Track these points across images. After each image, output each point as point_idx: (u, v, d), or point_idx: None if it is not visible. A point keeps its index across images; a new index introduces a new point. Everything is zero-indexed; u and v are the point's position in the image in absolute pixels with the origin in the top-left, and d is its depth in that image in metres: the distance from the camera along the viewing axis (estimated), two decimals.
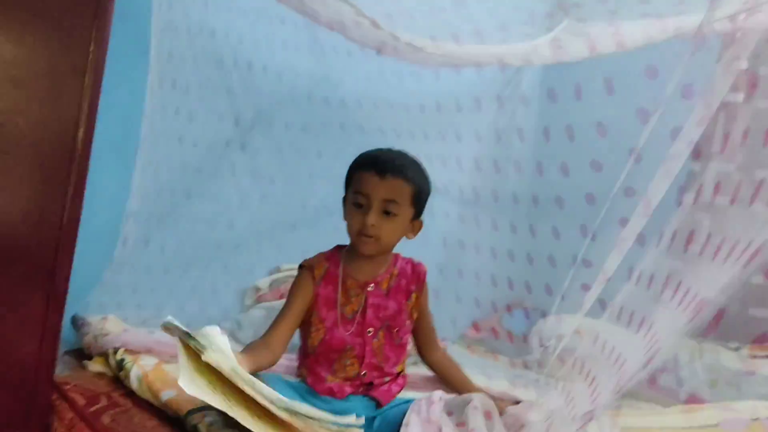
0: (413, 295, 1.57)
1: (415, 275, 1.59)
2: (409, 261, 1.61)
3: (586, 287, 1.28)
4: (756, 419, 1.27)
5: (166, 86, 2.05)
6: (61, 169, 1.43)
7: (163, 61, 2.01)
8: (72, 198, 1.44)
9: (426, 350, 1.71)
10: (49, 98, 1.41)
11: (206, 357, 1.13)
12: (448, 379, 1.68)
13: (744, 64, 2.23)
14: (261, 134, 2.31)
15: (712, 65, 2.17)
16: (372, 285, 1.53)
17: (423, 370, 1.74)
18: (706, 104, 1.25)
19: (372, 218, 1.45)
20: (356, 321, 1.51)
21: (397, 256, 1.59)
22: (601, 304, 1.25)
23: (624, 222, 1.17)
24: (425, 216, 1.56)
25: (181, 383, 1.11)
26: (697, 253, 2.14)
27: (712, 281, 1.10)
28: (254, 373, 1.30)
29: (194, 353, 1.18)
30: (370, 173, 1.47)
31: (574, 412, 1.16)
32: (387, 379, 1.53)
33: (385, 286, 1.54)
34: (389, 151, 1.54)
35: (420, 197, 1.51)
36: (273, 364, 1.47)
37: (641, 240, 1.19)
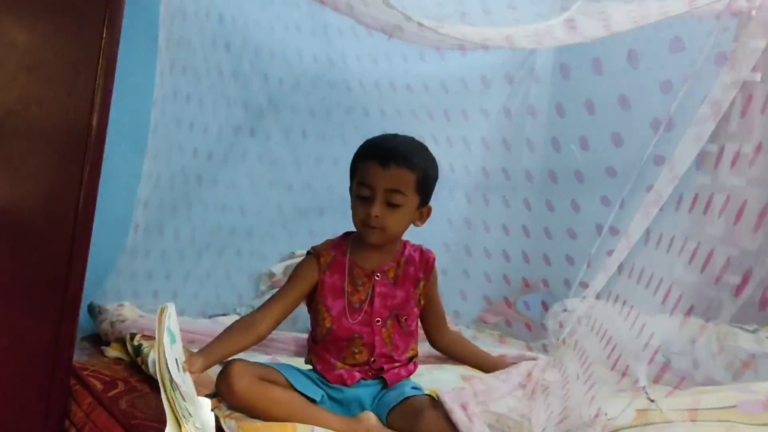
0: (421, 283, 1.55)
1: (423, 262, 1.56)
2: (418, 248, 1.58)
3: (611, 253, 1.27)
4: None
5: (176, 72, 2.05)
6: (76, 155, 1.44)
7: (173, 47, 2.01)
8: (87, 184, 1.45)
9: (435, 335, 1.71)
10: (63, 85, 1.41)
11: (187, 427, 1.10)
12: (464, 355, 1.73)
13: (762, 43, 2.21)
14: (271, 119, 2.30)
15: (730, 43, 2.14)
16: (379, 274, 1.51)
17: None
18: (733, 70, 1.23)
19: (376, 209, 1.43)
20: (363, 310, 1.50)
21: (405, 243, 1.57)
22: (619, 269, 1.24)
23: (650, 189, 1.16)
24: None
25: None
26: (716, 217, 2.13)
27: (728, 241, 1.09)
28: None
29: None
30: (372, 163, 1.44)
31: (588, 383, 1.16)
32: (397, 365, 1.52)
33: (392, 274, 1.52)
34: (393, 138, 1.51)
35: (426, 184, 1.48)
36: (255, 344, 1.47)
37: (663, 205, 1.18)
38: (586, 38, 1.69)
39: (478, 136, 2.27)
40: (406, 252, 1.55)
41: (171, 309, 1.32)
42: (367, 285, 1.50)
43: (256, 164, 2.31)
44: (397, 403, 1.44)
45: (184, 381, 1.25)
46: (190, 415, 1.09)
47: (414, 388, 1.50)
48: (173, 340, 1.31)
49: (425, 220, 1.53)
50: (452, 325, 1.81)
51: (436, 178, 1.52)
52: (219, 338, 1.44)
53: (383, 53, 2.24)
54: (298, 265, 1.55)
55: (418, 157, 1.47)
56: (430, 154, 1.52)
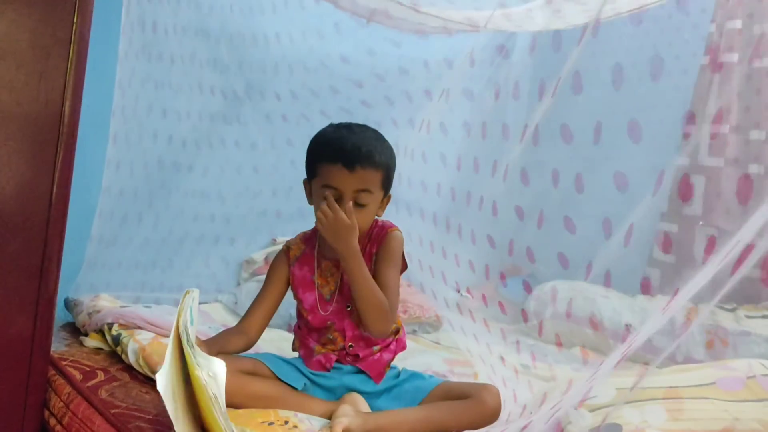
0: (374, 257, 1.50)
1: (378, 237, 1.51)
2: (381, 224, 1.54)
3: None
4: (752, 377, 1.27)
5: (146, 58, 2.02)
6: (49, 142, 1.41)
7: (140, 31, 1.98)
8: (61, 171, 1.42)
9: None
10: (35, 71, 1.38)
11: (199, 373, 1.12)
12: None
13: (738, 24, 2.22)
14: (249, 105, 2.28)
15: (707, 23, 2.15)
16: None
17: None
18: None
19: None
20: (335, 300, 1.50)
21: (374, 223, 1.54)
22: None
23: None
24: None
25: (159, 376, 1.11)
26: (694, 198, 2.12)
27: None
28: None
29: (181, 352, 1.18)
30: (337, 167, 1.40)
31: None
32: (376, 348, 1.50)
33: None
34: (350, 134, 1.45)
35: (389, 178, 1.47)
36: (248, 349, 1.49)
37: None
38: (568, 24, 1.68)
39: (460, 120, 2.24)
40: (371, 232, 1.52)
41: (196, 293, 1.32)
42: (336, 275, 1.51)
43: (233, 150, 2.29)
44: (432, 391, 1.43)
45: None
46: (208, 366, 1.12)
47: (419, 376, 1.50)
48: (192, 322, 1.30)
49: (385, 208, 1.52)
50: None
51: (394, 167, 1.50)
52: (216, 338, 1.47)
53: (366, 38, 2.20)
54: (272, 262, 1.58)
55: (381, 153, 1.44)
56: (387, 144, 1.49)
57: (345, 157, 1.41)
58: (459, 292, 1.90)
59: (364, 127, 1.50)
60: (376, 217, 1.53)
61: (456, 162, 1.82)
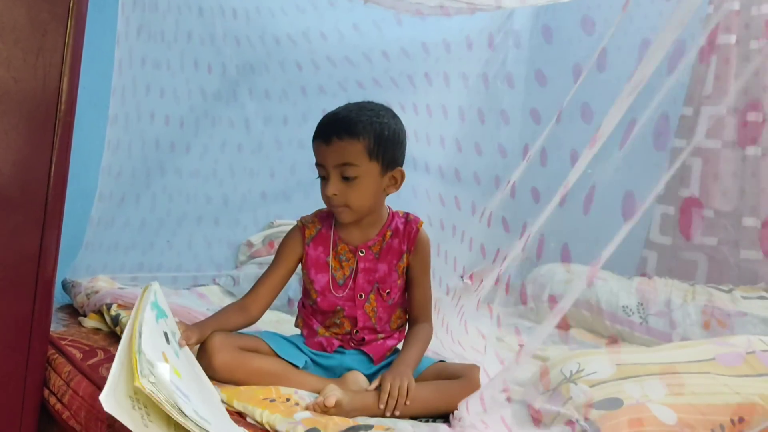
0: (405, 256, 1.49)
1: (407, 233, 1.49)
2: (404, 217, 1.52)
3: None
4: (751, 352, 1.28)
5: (144, 38, 2.01)
6: (47, 119, 1.39)
7: (138, 11, 1.96)
8: (59, 149, 1.41)
9: (411, 323, 1.54)
10: (32, 47, 1.37)
11: (139, 383, 1.02)
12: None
13: (736, 5, 2.22)
14: (244, 84, 2.27)
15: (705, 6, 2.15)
16: (363, 250, 1.48)
17: None
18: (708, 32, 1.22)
19: (331, 188, 1.39)
20: (348, 286, 1.48)
21: (393, 214, 1.51)
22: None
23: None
24: None
25: (102, 397, 1.02)
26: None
27: None
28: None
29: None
30: (318, 142, 1.41)
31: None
32: (381, 335, 1.50)
33: (377, 249, 1.48)
34: (340, 109, 1.44)
35: (381, 148, 1.40)
36: (248, 326, 1.48)
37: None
38: None
39: (456, 104, 2.23)
40: (393, 224, 1.50)
41: (156, 286, 1.33)
42: (351, 261, 1.48)
43: (230, 130, 2.28)
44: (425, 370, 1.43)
45: (179, 355, 1.24)
46: (150, 373, 1.05)
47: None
48: (163, 315, 1.30)
49: (399, 184, 1.46)
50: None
51: (396, 139, 1.44)
52: (214, 316, 1.46)
53: (361, 20, 2.19)
54: (284, 240, 1.54)
55: (365, 124, 1.39)
56: (386, 116, 1.44)
57: (321, 130, 1.42)
58: (462, 278, 1.90)
59: (366, 103, 1.47)
60: (396, 210, 1.52)
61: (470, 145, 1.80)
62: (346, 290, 1.48)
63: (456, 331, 1.77)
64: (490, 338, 1.66)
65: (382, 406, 1.30)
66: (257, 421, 1.22)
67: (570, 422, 1.07)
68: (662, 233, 2.26)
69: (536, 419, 1.15)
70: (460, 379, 1.37)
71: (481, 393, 1.11)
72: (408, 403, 1.31)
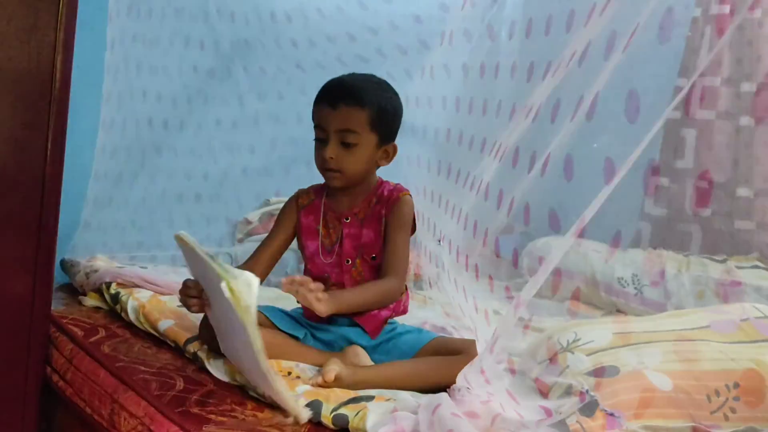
0: (383, 220, 1.50)
1: (388, 199, 1.51)
2: (393, 187, 1.54)
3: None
4: (745, 319, 1.29)
5: (135, 15, 1.99)
6: (43, 98, 1.39)
7: None
8: (54, 128, 1.41)
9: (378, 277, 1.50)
10: (25, 25, 1.36)
11: (232, 284, 1.06)
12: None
13: None
14: (238, 60, 2.25)
15: None
16: (348, 217, 1.51)
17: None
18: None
19: (329, 151, 1.42)
20: (335, 252, 1.51)
21: (382, 183, 1.55)
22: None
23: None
24: None
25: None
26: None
27: None
28: None
29: None
30: (322, 105, 1.44)
31: None
32: None
33: (361, 215, 1.51)
34: (347, 77, 1.48)
35: (382, 121, 1.45)
36: None
37: None
38: None
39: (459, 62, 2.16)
40: (379, 192, 1.53)
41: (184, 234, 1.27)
42: (338, 228, 1.52)
43: (224, 107, 2.26)
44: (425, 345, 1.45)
45: None
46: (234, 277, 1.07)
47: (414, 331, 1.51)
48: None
49: (391, 158, 1.51)
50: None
51: (396, 114, 1.49)
52: None
53: None
54: (280, 211, 1.59)
55: (371, 94, 1.44)
56: (389, 91, 1.49)
57: (328, 93, 1.44)
58: (440, 242, 1.90)
59: (370, 75, 1.51)
60: (387, 180, 1.52)
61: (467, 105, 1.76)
62: (333, 256, 1.51)
63: (455, 298, 1.78)
64: (488, 311, 1.68)
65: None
66: (259, 395, 1.23)
67: (581, 393, 1.08)
68: (656, 205, 2.28)
69: (542, 391, 1.17)
70: (461, 355, 1.37)
71: (480, 364, 1.12)
72: (319, 299, 1.26)
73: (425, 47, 1.96)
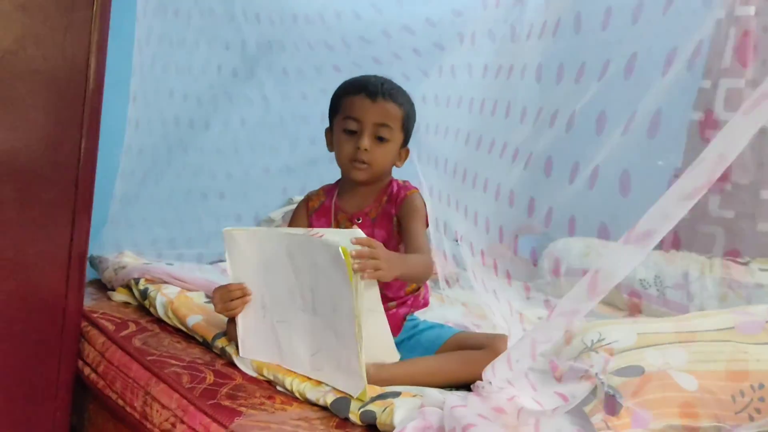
0: (395, 219, 1.50)
1: (397, 197, 1.51)
2: (402, 185, 1.54)
3: None
4: None
5: (162, 15, 2.02)
6: (76, 97, 1.42)
7: None
8: (88, 126, 1.44)
9: None
10: (60, 25, 1.39)
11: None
12: None
13: None
14: (264, 61, 2.27)
15: None
16: (359, 217, 1.51)
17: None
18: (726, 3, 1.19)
19: (365, 142, 1.42)
20: None
21: (392, 181, 1.54)
22: None
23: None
24: None
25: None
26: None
27: None
28: None
29: None
30: (360, 97, 1.45)
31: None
32: (392, 303, 1.52)
33: (373, 215, 1.51)
34: (375, 76, 1.52)
35: (409, 123, 1.51)
36: None
37: None
38: None
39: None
40: (389, 190, 1.53)
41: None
42: (349, 228, 1.50)
43: (248, 107, 2.29)
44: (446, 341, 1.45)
45: None
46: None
47: (436, 326, 1.51)
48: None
49: (404, 161, 1.54)
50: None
51: (415, 120, 1.54)
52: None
53: None
54: (293, 213, 1.61)
55: (403, 95, 1.49)
56: (409, 96, 1.54)
57: (369, 87, 1.46)
58: (457, 241, 1.90)
59: (391, 80, 1.53)
60: (397, 179, 1.54)
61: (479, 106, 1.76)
62: None
63: (483, 299, 1.79)
64: (514, 311, 1.68)
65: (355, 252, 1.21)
66: (287, 389, 1.25)
67: (594, 378, 1.09)
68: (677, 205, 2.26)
69: (558, 378, 1.17)
70: (485, 349, 1.37)
71: (508, 355, 1.13)
72: (377, 266, 1.23)
73: (440, 48, 1.97)
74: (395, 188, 1.53)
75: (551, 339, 1.24)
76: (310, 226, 1.54)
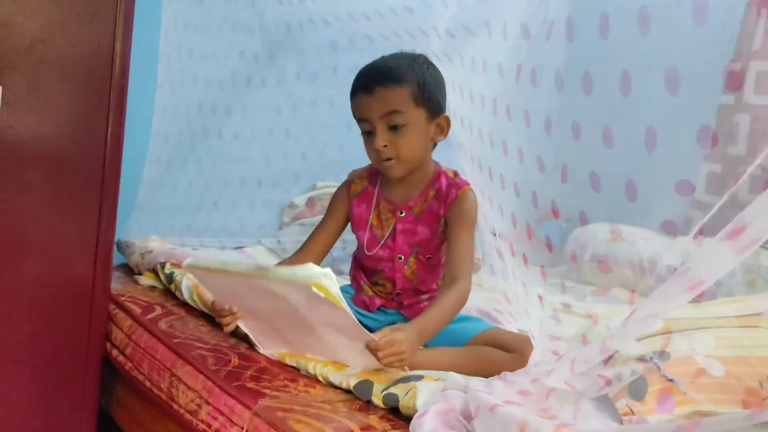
0: (442, 220, 1.44)
1: (446, 197, 1.43)
2: (451, 178, 1.45)
3: None
4: None
5: (193, 1, 2.03)
6: (103, 83, 1.44)
7: None
8: (114, 112, 1.45)
9: (444, 281, 1.42)
10: (86, 11, 1.40)
11: (322, 283, 1.11)
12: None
13: None
14: (288, 45, 2.26)
15: None
16: (402, 210, 1.46)
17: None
18: None
19: (379, 140, 1.35)
20: (386, 246, 1.46)
21: (440, 172, 1.46)
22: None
23: None
24: None
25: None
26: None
27: None
28: None
29: None
30: (359, 94, 1.37)
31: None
32: (424, 297, 1.50)
33: (417, 210, 1.45)
34: (378, 60, 1.42)
35: (424, 93, 1.36)
36: None
37: None
38: None
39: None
40: (437, 184, 1.45)
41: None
42: (391, 220, 1.47)
43: (272, 94, 2.29)
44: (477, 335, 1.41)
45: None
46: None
47: (466, 319, 1.47)
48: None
49: (446, 132, 1.42)
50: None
51: (438, 84, 1.41)
52: None
53: None
54: (334, 194, 1.55)
55: (406, 69, 1.37)
56: (424, 62, 1.41)
57: (361, 81, 1.38)
58: (495, 235, 1.90)
59: (402, 53, 1.45)
60: (446, 170, 1.48)
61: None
62: (385, 249, 1.47)
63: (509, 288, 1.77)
64: (533, 298, 1.67)
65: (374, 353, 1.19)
66: (311, 374, 1.26)
67: (646, 361, 1.08)
68: (708, 192, 2.23)
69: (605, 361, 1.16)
70: (514, 354, 1.32)
71: (573, 359, 1.09)
72: (405, 364, 1.21)
73: (471, 34, 1.94)
74: (444, 184, 1.44)
75: (566, 334, 1.23)
76: (350, 212, 1.50)
